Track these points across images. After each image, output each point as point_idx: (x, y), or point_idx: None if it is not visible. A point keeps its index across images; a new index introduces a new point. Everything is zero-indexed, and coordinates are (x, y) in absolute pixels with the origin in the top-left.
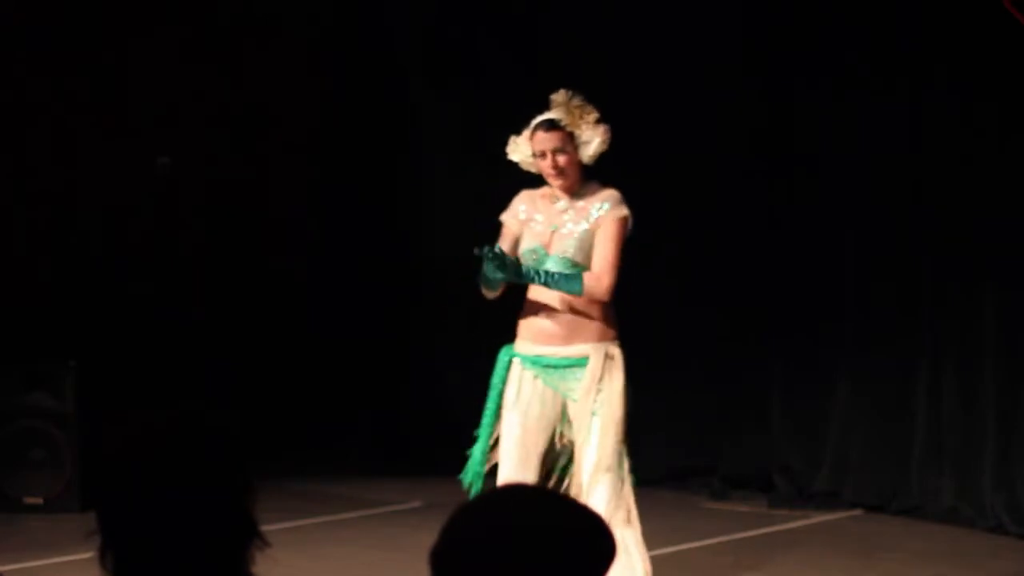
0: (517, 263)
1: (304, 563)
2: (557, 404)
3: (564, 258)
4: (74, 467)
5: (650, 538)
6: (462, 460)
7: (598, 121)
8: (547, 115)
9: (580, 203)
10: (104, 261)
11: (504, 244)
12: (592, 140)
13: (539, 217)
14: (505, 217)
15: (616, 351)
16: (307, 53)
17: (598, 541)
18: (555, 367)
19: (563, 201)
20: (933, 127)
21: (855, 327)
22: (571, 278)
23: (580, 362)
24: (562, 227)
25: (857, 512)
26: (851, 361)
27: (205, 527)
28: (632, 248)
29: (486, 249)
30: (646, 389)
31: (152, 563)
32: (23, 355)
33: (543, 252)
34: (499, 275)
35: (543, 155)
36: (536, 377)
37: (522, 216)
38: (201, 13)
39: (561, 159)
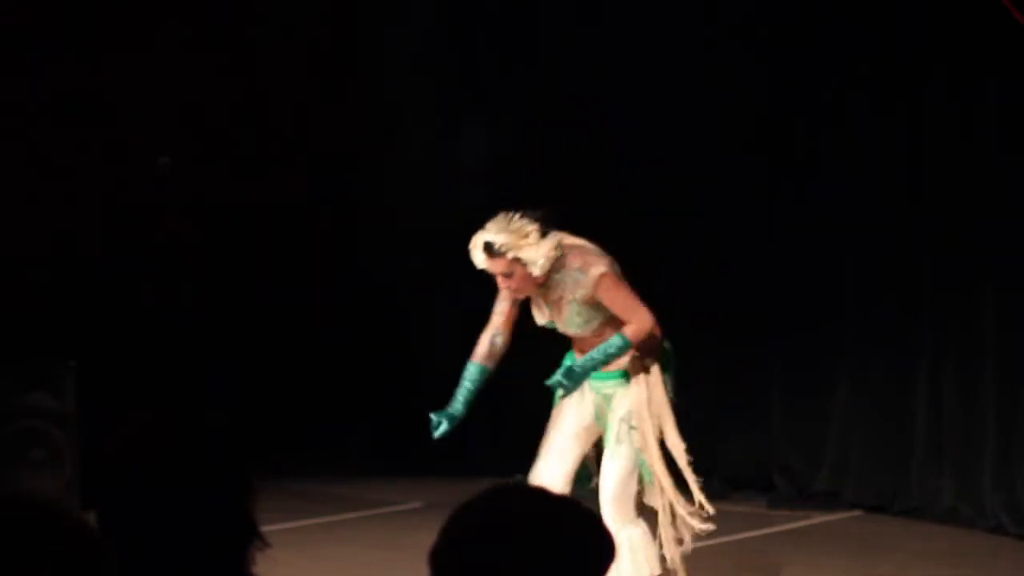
0: (573, 373)
1: (304, 563)
2: (600, 406)
3: (575, 326)
4: (74, 467)
5: None
6: (462, 460)
7: (542, 233)
8: (486, 235)
9: (558, 281)
10: (104, 261)
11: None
12: (538, 259)
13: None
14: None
15: (650, 360)
16: (306, 53)
17: (597, 541)
18: (597, 378)
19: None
20: (933, 127)
21: (855, 327)
22: (619, 348)
23: (618, 374)
24: (556, 304)
25: (857, 512)
26: (851, 361)
27: (205, 527)
28: (632, 247)
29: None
30: None
31: (152, 563)
32: (23, 355)
33: (554, 325)
34: (562, 385)
35: (493, 275)
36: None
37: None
38: (201, 13)
39: (512, 281)
